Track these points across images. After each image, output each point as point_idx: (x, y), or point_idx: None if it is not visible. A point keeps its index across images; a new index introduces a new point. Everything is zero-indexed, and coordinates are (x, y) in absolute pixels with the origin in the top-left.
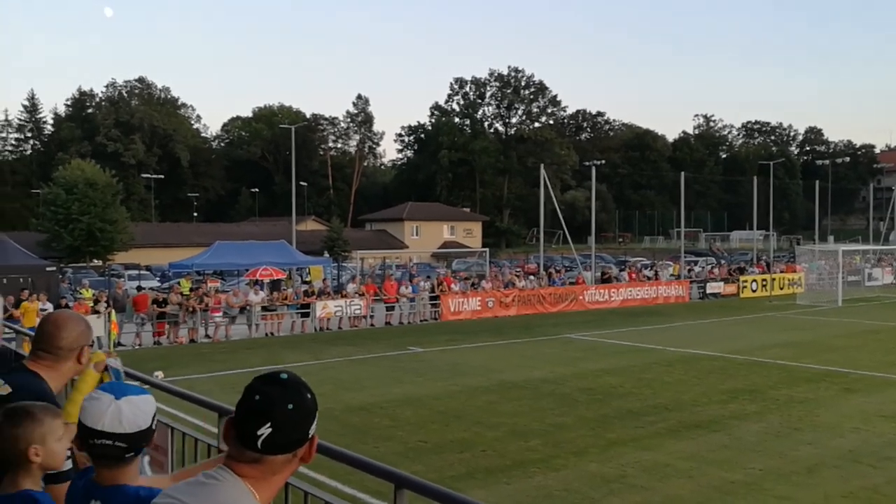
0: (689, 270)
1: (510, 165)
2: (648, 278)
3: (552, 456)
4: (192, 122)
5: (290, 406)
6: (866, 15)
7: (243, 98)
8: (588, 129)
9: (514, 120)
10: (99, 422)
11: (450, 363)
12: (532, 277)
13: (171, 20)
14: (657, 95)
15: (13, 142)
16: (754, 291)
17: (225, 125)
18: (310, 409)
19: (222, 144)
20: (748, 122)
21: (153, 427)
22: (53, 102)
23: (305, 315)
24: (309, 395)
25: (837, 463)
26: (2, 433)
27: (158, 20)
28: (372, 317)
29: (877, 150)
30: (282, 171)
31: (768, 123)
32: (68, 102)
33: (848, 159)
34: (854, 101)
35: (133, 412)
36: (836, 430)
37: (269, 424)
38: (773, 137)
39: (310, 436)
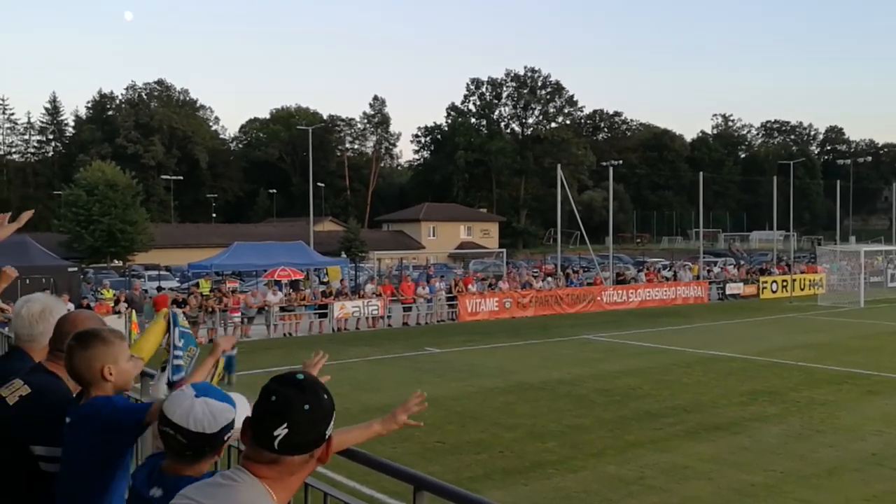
0: (709, 271)
1: (527, 166)
2: (667, 279)
3: (570, 457)
4: (211, 123)
5: (307, 407)
6: (889, 12)
7: (261, 100)
8: (605, 130)
9: (530, 120)
10: (172, 412)
11: (467, 364)
12: (549, 278)
13: (189, 23)
14: (675, 95)
15: (35, 144)
16: (774, 292)
17: (243, 126)
18: (326, 410)
19: (240, 146)
20: (768, 122)
21: (222, 436)
22: (75, 105)
23: (323, 315)
24: (325, 396)
25: (859, 466)
26: (76, 355)
27: (177, 23)
28: (389, 317)
29: None
30: (299, 172)
31: (788, 123)
32: (89, 105)
33: (870, 158)
34: (876, 99)
35: (204, 414)
36: (858, 432)
37: (285, 425)
38: (793, 137)
39: (326, 436)
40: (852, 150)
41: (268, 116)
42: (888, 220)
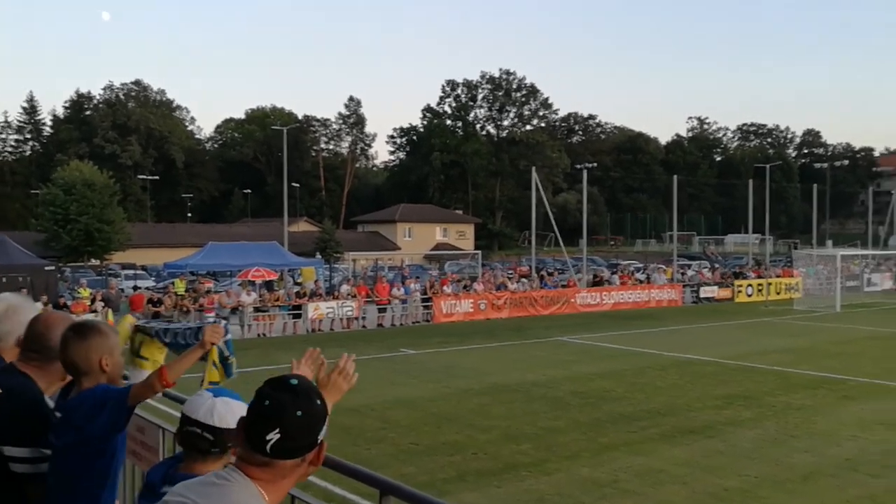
0: (683, 274)
1: (502, 168)
2: (640, 282)
3: (544, 460)
4: (187, 123)
5: (300, 413)
6: (866, 16)
7: (236, 100)
8: (580, 132)
9: (505, 122)
10: (195, 412)
11: (441, 365)
12: (524, 280)
13: (166, 24)
14: (650, 98)
15: (13, 143)
16: (749, 296)
17: (218, 127)
18: (319, 416)
19: (216, 146)
20: (744, 125)
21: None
22: (52, 104)
23: (297, 316)
24: (318, 402)
25: (834, 471)
26: (73, 346)
27: (154, 24)
28: (364, 318)
29: (876, 154)
30: (274, 172)
31: (765, 125)
32: (66, 105)
33: (847, 162)
34: (853, 103)
35: (225, 411)
36: (834, 437)
37: (278, 430)
38: (769, 140)
39: (319, 441)
40: (829, 153)
41: (243, 116)
42: (864, 224)
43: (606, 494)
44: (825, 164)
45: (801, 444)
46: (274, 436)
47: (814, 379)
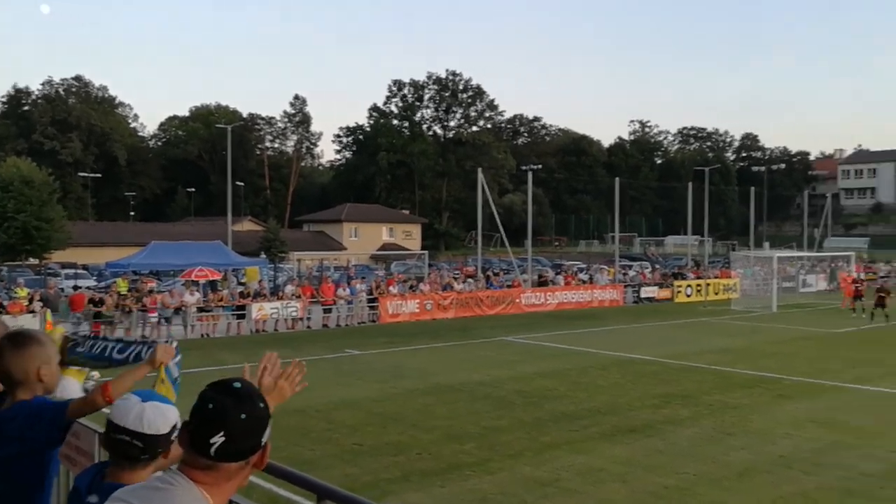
0: (624, 275)
1: (449, 168)
2: (583, 282)
3: (487, 459)
4: (130, 120)
5: (244, 416)
6: (801, 24)
7: (181, 97)
8: (525, 134)
9: (452, 123)
10: (123, 418)
11: (387, 366)
12: (470, 280)
13: (108, 18)
14: (593, 101)
15: None
16: (689, 296)
17: (162, 124)
18: (262, 418)
19: (159, 143)
20: (684, 128)
21: (171, 436)
22: None
23: (241, 317)
24: (261, 405)
25: (769, 468)
26: (9, 355)
27: (96, 18)
28: (309, 319)
29: (811, 158)
30: (218, 170)
31: (704, 129)
32: (4, 100)
33: (783, 166)
34: (790, 108)
35: (155, 416)
36: (769, 435)
37: (222, 433)
38: (709, 143)
39: (262, 443)
40: (767, 157)
41: (187, 114)
42: (800, 226)
43: (548, 493)
44: (762, 168)
45: (738, 442)
46: (218, 439)
47: (750, 378)
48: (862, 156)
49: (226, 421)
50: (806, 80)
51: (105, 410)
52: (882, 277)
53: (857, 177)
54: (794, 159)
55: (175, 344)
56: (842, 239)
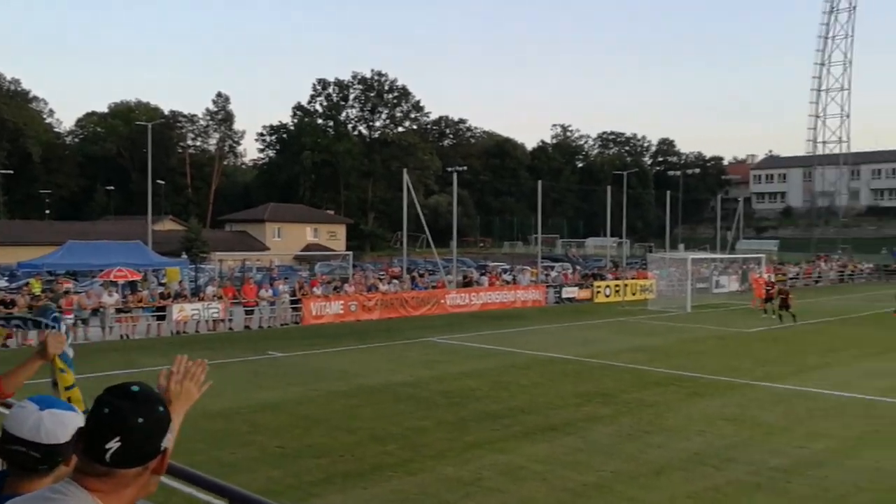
0: (546, 275)
1: (374, 168)
2: (507, 282)
3: (410, 460)
4: (45, 116)
5: (141, 420)
6: (716, 32)
7: (99, 93)
8: (451, 136)
9: (377, 123)
10: (19, 429)
11: (310, 368)
12: (395, 281)
13: (22, 9)
14: (517, 104)
15: None
16: (608, 297)
17: (80, 120)
18: (161, 422)
19: (76, 140)
20: (604, 133)
21: (72, 444)
22: None
23: (161, 318)
24: (161, 408)
25: (683, 465)
26: None
27: (8, 9)
28: (230, 320)
29: (725, 163)
30: (138, 168)
31: (623, 134)
32: None
33: (698, 170)
34: (705, 114)
35: (54, 425)
36: (683, 432)
37: (118, 438)
38: (627, 148)
39: (162, 448)
40: (682, 162)
41: (106, 110)
42: (714, 229)
43: (470, 493)
44: (678, 172)
45: (654, 439)
46: (114, 444)
47: (666, 377)
48: (772, 161)
49: (122, 425)
50: (720, 87)
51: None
52: (791, 279)
53: (768, 181)
54: (709, 164)
55: (64, 330)
56: (753, 241)
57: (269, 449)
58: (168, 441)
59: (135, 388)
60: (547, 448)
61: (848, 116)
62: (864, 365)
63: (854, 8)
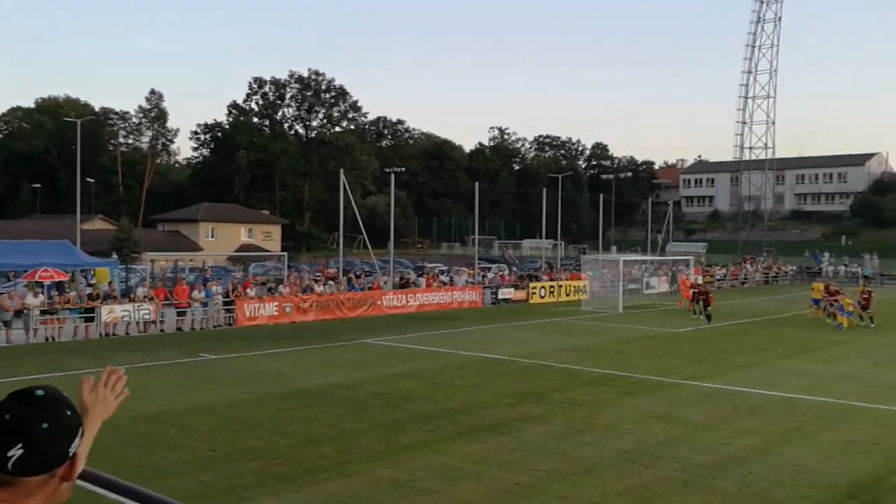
0: (483, 276)
1: (311, 169)
2: (444, 283)
3: (344, 462)
4: None
5: (45, 425)
6: (648, 39)
7: (25, 88)
8: (389, 137)
9: (314, 123)
10: None
11: (243, 370)
12: (331, 282)
13: None
14: (455, 107)
15: None
16: (543, 297)
17: (4, 115)
18: (69, 427)
19: (0, 136)
20: (540, 136)
21: None
22: None
23: (90, 319)
24: (69, 412)
25: (614, 463)
26: None
27: None
28: (162, 322)
29: (656, 167)
30: (67, 166)
31: (559, 138)
32: None
33: (630, 174)
34: (637, 120)
35: None
36: (615, 431)
37: (20, 445)
38: (562, 151)
39: (70, 454)
40: (615, 165)
41: (33, 106)
42: (645, 231)
43: (405, 494)
44: (611, 176)
45: (586, 438)
46: (16, 451)
47: (598, 376)
48: (701, 166)
49: (25, 431)
50: (652, 93)
51: None
52: (719, 280)
53: (697, 186)
54: (640, 168)
55: None
56: (682, 244)
57: (200, 452)
58: (77, 446)
59: (39, 392)
60: (481, 448)
61: (773, 123)
62: (787, 364)
63: (779, 18)
